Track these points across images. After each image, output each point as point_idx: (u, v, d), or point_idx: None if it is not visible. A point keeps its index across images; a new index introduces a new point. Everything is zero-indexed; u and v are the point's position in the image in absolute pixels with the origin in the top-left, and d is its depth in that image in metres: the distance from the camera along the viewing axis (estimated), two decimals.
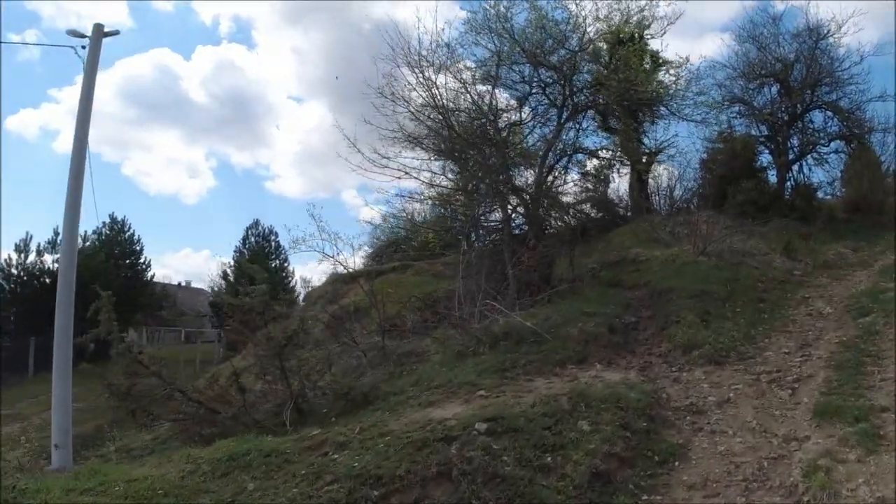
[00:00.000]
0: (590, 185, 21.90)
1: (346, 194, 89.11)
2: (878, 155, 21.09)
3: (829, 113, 21.74)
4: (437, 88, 14.34)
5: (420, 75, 13.56)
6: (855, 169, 20.76)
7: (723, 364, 8.38)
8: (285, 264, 37.11)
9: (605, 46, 16.20)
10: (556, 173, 15.50)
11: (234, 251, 36.75)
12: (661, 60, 20.61)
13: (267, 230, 38.35)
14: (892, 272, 12.48)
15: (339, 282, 22.80)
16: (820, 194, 21.67)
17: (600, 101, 15.64)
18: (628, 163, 21.17)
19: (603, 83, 14.41)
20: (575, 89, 14.55)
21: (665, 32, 19.54)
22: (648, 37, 21.25)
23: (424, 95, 13.84)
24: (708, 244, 13.94)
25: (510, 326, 9.33)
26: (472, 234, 13.58)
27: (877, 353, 7.90)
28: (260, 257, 33.74)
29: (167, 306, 38.68)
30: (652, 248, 15.84)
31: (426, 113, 14.11)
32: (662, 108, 20.38)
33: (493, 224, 14.12)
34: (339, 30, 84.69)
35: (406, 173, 14.01)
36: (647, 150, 21.59)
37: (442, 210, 15.21)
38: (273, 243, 37.71)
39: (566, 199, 21.29)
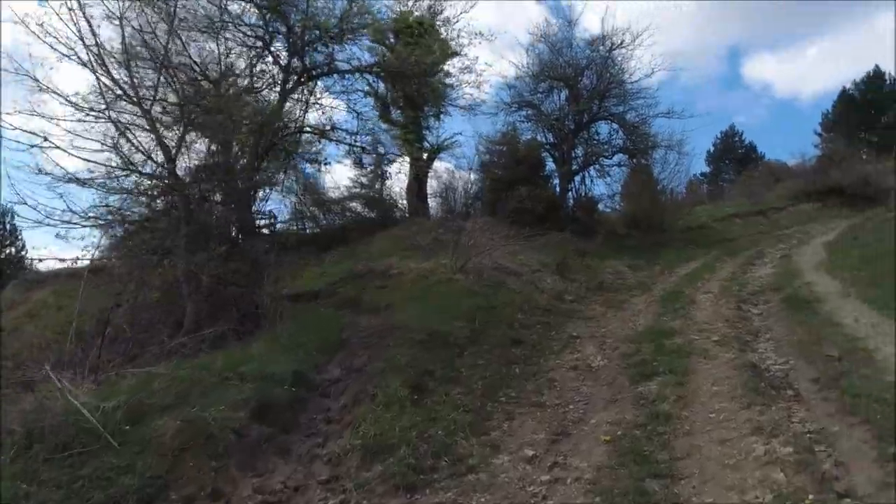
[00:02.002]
0: (364, 181, 17.81)
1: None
2: (657, 171, 19.41)
3: (615, 125, 19.65)
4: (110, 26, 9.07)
5: None
6: (635, 185, 18.93)
7: (418, 491, 4.22)
8: (22, 253, 27.69)
9: None
10: (270, 157, 10.68)
11: None
12: (450, 51, 17.35)
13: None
14: (673, 303, 9.58)
15: (22, 286, 16.02)
16: (601, 207, 19.56)
17: (336, 67, 11.22)
18: (407, 159, 17.45)
19: (323, 36, 9.92)
20: (305, 46, 9.90)
21: (458, 20, 16.55)
22: (439, 24, 17.93)
23: (73, 30, 8.40)
24: (468, 259, 10.15)
25: (62, 415, 4.37)
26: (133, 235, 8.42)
27: (668, 469, 4.20)
28: None
29: None
30: (411, 259, 11.82)
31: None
32: (446, 102, 17.23)
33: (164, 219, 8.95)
34: None
35: (45, 138, 8.41)
36: (429, 147, 17.91)
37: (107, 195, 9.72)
38: (7, 226, 28.09)
39: (333, 194, 17.14)
